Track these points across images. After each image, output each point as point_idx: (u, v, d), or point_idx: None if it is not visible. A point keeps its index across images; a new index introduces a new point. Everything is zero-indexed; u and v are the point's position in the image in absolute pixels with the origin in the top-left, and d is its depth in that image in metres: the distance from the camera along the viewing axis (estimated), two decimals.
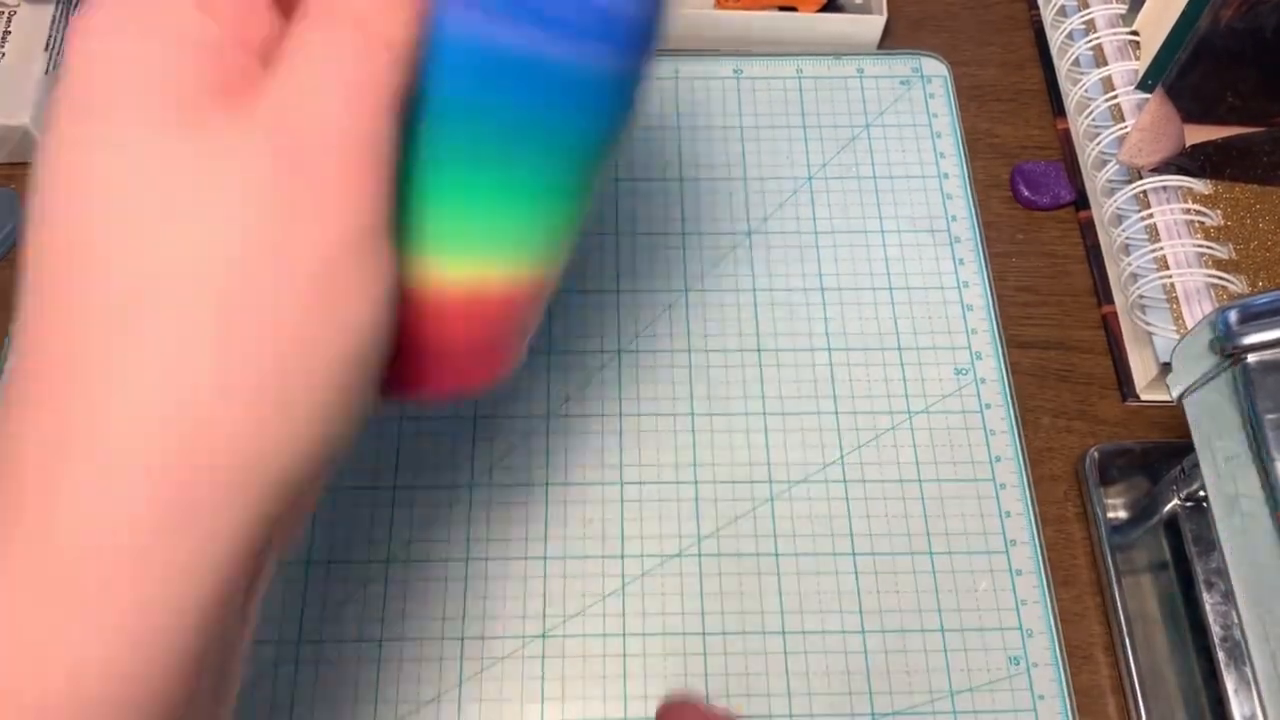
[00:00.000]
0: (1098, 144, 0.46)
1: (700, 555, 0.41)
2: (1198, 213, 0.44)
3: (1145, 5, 0.46)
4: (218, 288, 0.18)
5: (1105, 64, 0.47)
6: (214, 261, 0.18)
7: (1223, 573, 0.38)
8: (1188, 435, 0.36)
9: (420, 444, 0.43)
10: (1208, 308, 0.42)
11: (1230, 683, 0.38)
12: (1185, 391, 0.36)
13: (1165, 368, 0.42)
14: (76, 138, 0.19)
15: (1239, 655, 0.38)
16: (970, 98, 0.53)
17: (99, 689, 0.18)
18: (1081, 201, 0.50)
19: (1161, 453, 0.43)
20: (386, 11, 0.19)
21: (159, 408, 0.18)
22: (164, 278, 0.18)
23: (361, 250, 0.19)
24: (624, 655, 0.40)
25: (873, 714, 0.39)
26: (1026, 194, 0.50)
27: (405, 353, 0.23)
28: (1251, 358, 0.32)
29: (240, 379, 0.18)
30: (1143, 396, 0.46)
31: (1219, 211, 0.44)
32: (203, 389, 0.18)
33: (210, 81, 0.19)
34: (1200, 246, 0.43)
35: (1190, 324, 0.42)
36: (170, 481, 0.18)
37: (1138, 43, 0.47)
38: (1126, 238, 0.45)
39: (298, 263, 0.18)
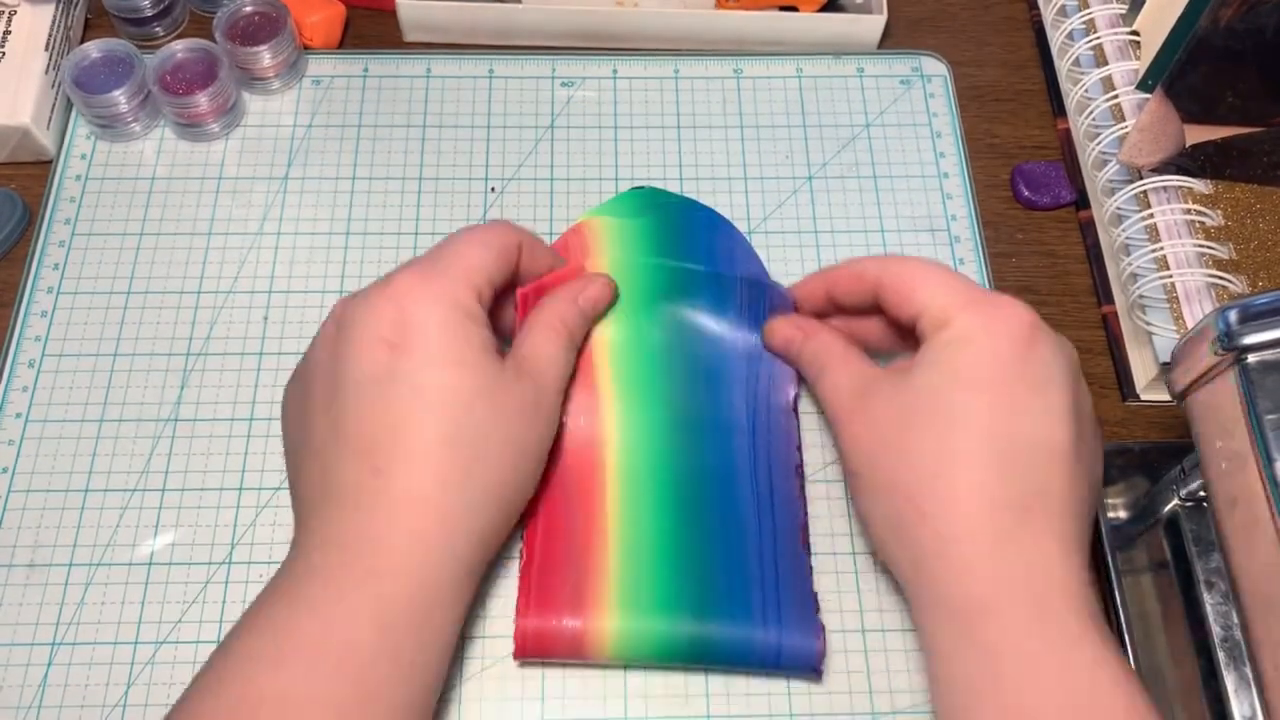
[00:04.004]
0: (1098, 144, 0.46)
1: None
2: (1198, 213, 0.44)
3: (1145, 5, 0.46)
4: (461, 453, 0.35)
5: (1105, 64, 0.47)
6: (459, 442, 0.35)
7: (1223, 573, 0.38)
8: (1188, 435, 0.36)
9: None
10: (1208, 308, 0.42)
11: (1230, 682, 0.38)
12: (1185, 391, 0.36)
13: (1165, 367, 0.42)
14: (402, 366, 0.34)
15: (1239, 655, 0.38)
16: (970, 98, 0.53)
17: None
18: (1081, 201, 0.50)
19: (1161, 453, 0.43)
20: (568, 316, 0.40)
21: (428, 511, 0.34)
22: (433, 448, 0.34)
23: (553, 416, 0.39)
24: None
25: (873, 714, 0.39)
26: (1026, 194, 0.50)
27: None
28: (1252, 357, 0.32)
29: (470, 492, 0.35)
30: (1143, 396, 0.46)
31: (1219, 211, 0.44)
32: (474, 503, 0.35)
33: (488, 343, 0.36)
34: (1200, 246, 0.43)
35: (1190, 324, 0.42)
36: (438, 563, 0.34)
37: (1138, 43, 0.47)
38: (1126, 238, 0.45)
39: (529, 430, 0.37)
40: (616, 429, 0.41)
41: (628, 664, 0.39)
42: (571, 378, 0.41)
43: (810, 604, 0.39)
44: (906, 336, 0.39)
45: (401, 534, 0.33)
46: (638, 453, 0.41)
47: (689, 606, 0.38)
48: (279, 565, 0.35)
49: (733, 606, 0.38)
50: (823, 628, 0.38)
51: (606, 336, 0.42)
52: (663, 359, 0.42)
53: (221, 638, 0.34)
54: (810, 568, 0.40)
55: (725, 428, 0.42)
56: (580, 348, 0.41)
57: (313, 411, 0.36)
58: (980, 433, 0.34)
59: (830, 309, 0.42)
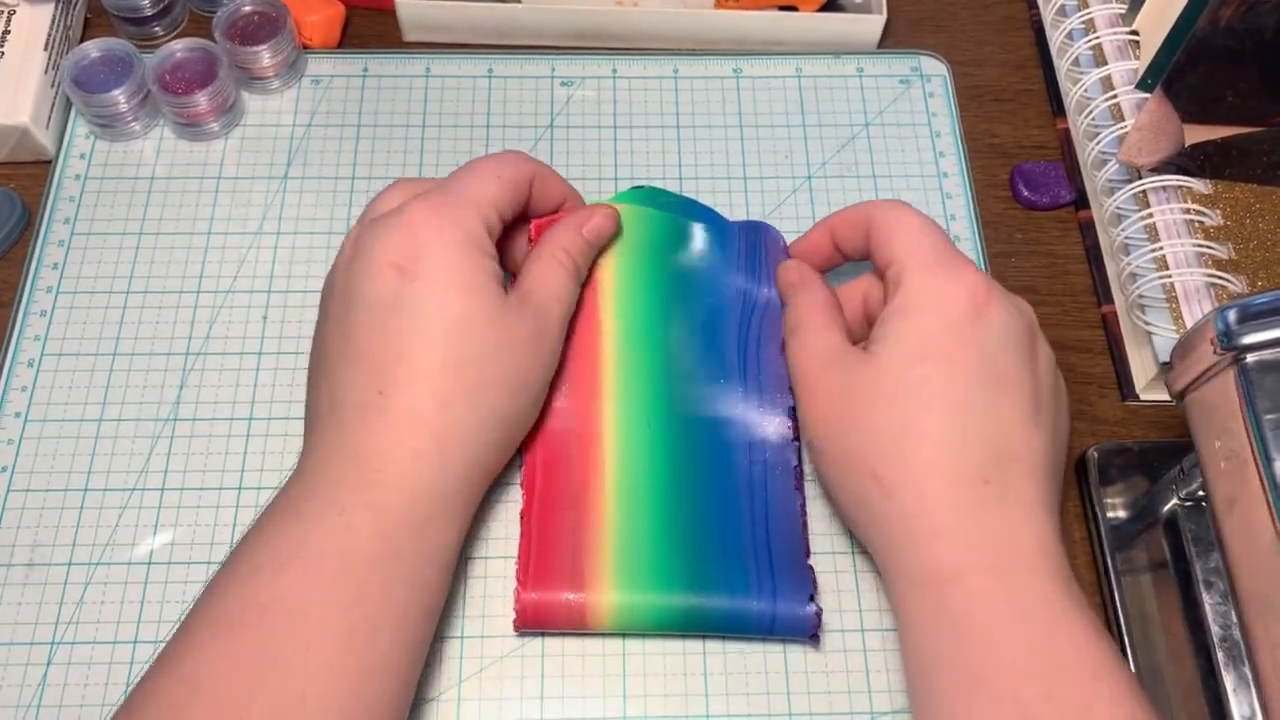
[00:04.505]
0: (1097, 143, 0.46)
1: None
2: (1197, 212, 0.44)
3: (1145, 5, 0.46)
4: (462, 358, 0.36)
5: (1105, 63, 0.47)
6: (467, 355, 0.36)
7: (1222, 572, 0.38)
8: (1187, 435, 0.36)
9: None
10: (1207, 307, 0.42)
11: (1229, 682, 0.38)
12: (1184, 391, 0.36)
13: (1165, 367, 0.42)
14: (410, 290, 0.36)
15: (1238, 655, 0.38)
16: (970, 97, 0.53)
17: None
18: (1081, 201, 0.50)
19: (1161, 452, 0.43)
20: (572, 246, 0.40)
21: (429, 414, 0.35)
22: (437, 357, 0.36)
23: (555, 349, 0.40)
24: (624, 655, 0.40)
25: (872, 714, 0.39)
26: (1026, 194, 0.50)
27: None
28: (1251, 357, 0.32)
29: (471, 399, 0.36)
30: (1142, 396, 0.46)
31: (1218, 211, 0.44)
32: (476, 426, 0.36)
33: (495, 272, 0.38)
34: (1200, 246, 0.43)
35: (1190, 324, 0.42)
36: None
37: (1137, 42, 0.47)
38: (1126, 237, 0.45)
39: (530, 361, 0.38)
40: (613, 396, 0.42)
41: (626, 633, 0.39)
42: (570, 338, 0.42)
43: (804, 572, 0.39)
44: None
45: (403, 451, 0.34)
46: (634, 419, 0.42)
47: (684, 575, 0.39)
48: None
49: (728, 575, 0.39)
50: (814, 595, 0.39)
51: (609, 290, 0.43)
52: (661, 313, 0.43)
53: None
54: (804, 523, 0.41)
55: (720, 378, 0.43)
56: (583, 287, 0.42)
57: (327, 332, 0.38)
58: (938, 405, 0.35)
59: (837, 256, 0.43)
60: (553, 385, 0.41)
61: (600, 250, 0.43)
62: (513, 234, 0.42)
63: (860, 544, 0.41)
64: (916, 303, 0.37)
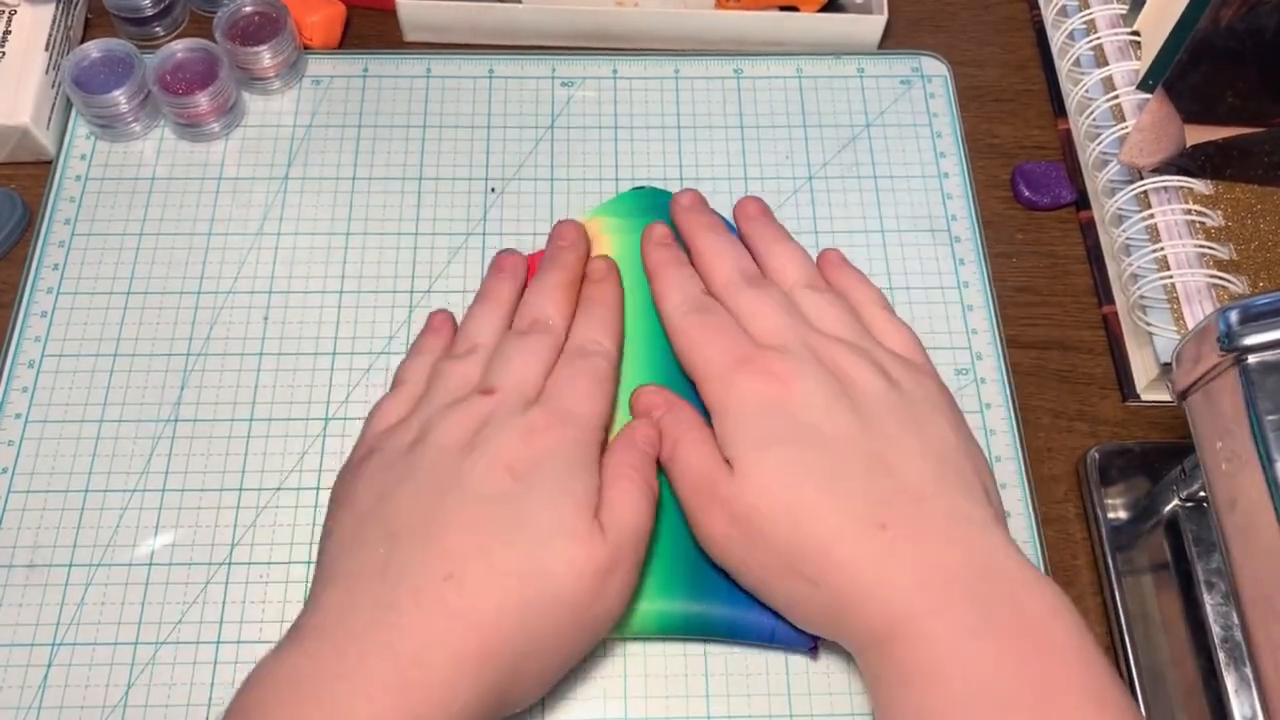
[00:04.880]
0: (1098, 144, 0.46)
1: None
2: (1198, 213, 0.44)
3: (1146, 5, 0.46)
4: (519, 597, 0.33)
5: (1106, 64, 0.47)
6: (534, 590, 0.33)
7: (1223, 573, 0.38)
8: (1188, 435, 0.36)
9: None
10: (1208, 308, 0.42)
11: (1230, 683, 0.38)
12: (1186, 392, 0.36)
13: (1166, 368, 0.42)
14: (518, 494, 0.35)
15: (1239, 656, 0.38)
16: (970, 98, 0.53)
17: None
18: (1082, 202, 0.50)
19: (1162, 453, 0.43)
20: (646, 472, 0.38)
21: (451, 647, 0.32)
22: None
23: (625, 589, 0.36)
24: (624, 655, 0.40)
25: (873, 714, 0.39)
26: (1027, 194, 0.50)
27: None
28: (1252, 358, 0.32)
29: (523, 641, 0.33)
30: (1143, 397, 0.46)
31: (1220, 212, 0.44)
32: (498, 602, 0.33)
33: (594, 504, 0.35)
34: (1201, 247, 0.43)
35: (1191, 324, 0.42)
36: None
37: (1138, 43, 0.47)
38: (1127, 238, 0.45)
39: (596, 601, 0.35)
40: (614, 419, 0.41)
41: (627, 639, 0.39)
42: None
43: None
44: None
45: (447, 651, 0.32)
46: None
47: (685, 584, 0.38)
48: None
49: (728, 585, 0.38)
50: None
51: None
52: (661, 349, 0.43)
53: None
54: None
55: None
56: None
57: (407, 494, 0.35)
58: (804, 482, 0.35)
59: None
60: None
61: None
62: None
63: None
64: (724, 409, 0.38)
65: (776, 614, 0.38)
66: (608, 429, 0.39)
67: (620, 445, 0.38)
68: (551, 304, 0.42)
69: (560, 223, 0.45)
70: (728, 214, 0.48)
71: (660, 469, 0.39)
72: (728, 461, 0.37)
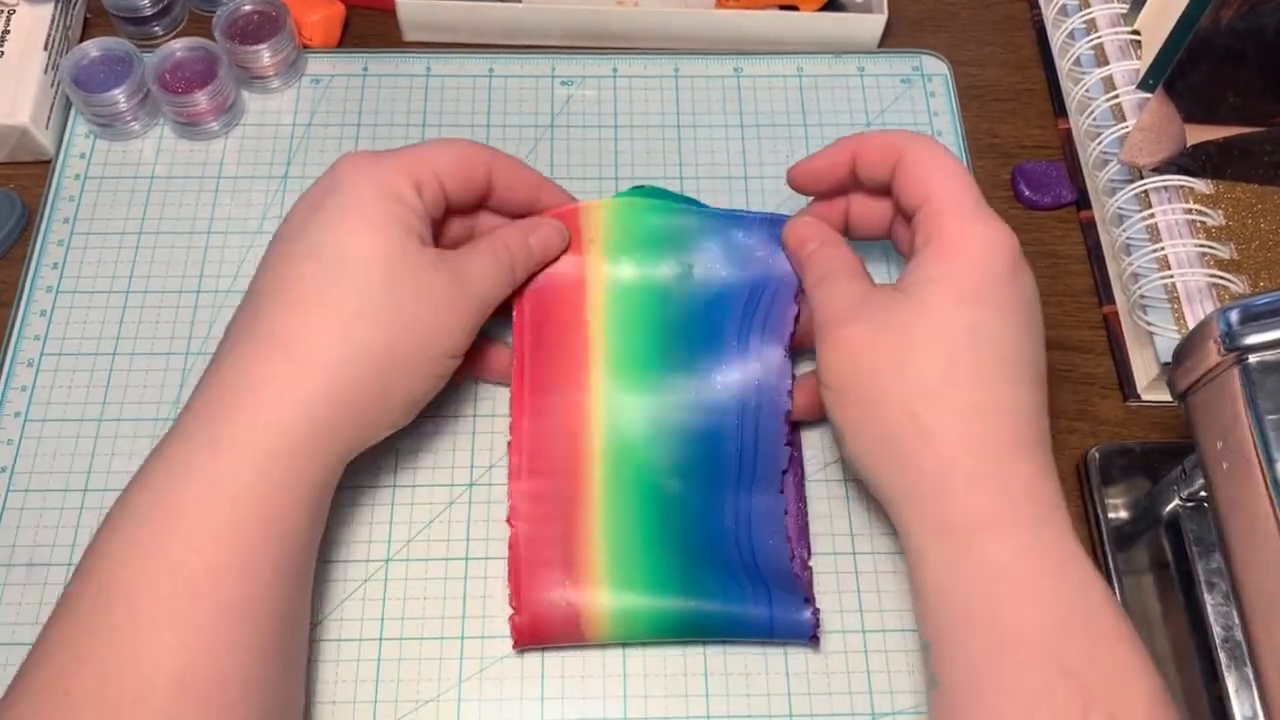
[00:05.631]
0: (1099, 144, 0.46)
1: None
2: (1199, 213, 0.44)
3: (1146, 5, 0.46)
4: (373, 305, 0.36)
5: (1106, 63, 0.47)
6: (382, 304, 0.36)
7: (1223, 573, 0.38)
8: (1189, 436, 0.36)
9: (420, 444, 0.43)
10: (1209, 308, 0.42)
11: (1231, 683, 0.38)
12: (1186, 391, 0.35)
13: (1166, 368, 0.42)
14: (315, 220, 0.37)
15: (1240, 656, 0.38)
16: (971, 97, 0.53)
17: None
18: (1082, 201, 0.50)
19: (1162, 453, 0.43)
20: (514, 246, 0.41)
21: (325, 366, 0.35)
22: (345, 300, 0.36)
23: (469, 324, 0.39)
24: (624, 655, 0.40)
25: (873, 714, 0.39)
26: (1027, 193, 0.50)
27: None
28: (1253, 358, 0.32)
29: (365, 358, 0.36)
30: (1144, 396, 0.46)
31: (1220, 211, 0.44)
32: (342, 357, 0.35)
33: (408, 224, 0.37)
34: (1201, 246, 0.43)
35: (1191, 324, 0.42)
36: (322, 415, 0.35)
37: (1139, 42, 0.47)
38: (1128, 238, 0.45)
39: (438, 319, 0.38)
40: (601, 403, 0.41)
41: (625, 642, 0.39)
42: (558, 341, 0.42)
43: (790, 578, 0.39)
44: (907, 222, 0.39)
45: (279, 381, 0.34)
46: (623, 433, 0.41)
47: (678, 583, 0.38)
48: None
49: (723, 582, 0.38)
50: (810, 598, 0.39)
51: (599, 294, 0.43)
52: (653, 318, 0.43)
53: None
54: (805, 524, 0.41)
55: (716, 382, 0.42)
56: (571, 287, 0.42)
57: (266, 260, 0.38)
58: (988, 351, 0.34)
59: (850, 181, 0.41)
60: (539, 390, 0.41)
61: (543, 265, 0.43)
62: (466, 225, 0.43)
63: (870, 495, 0.40)
64: (960, 247, 0.36)
65: (773, 607, 0.38)
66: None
67: (511, 226, 0.42)
68: None
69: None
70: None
71: (645, 464, 0.39)
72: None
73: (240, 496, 0.33)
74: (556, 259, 0.43)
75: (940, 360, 0.34)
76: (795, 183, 0.43)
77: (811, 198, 0.44)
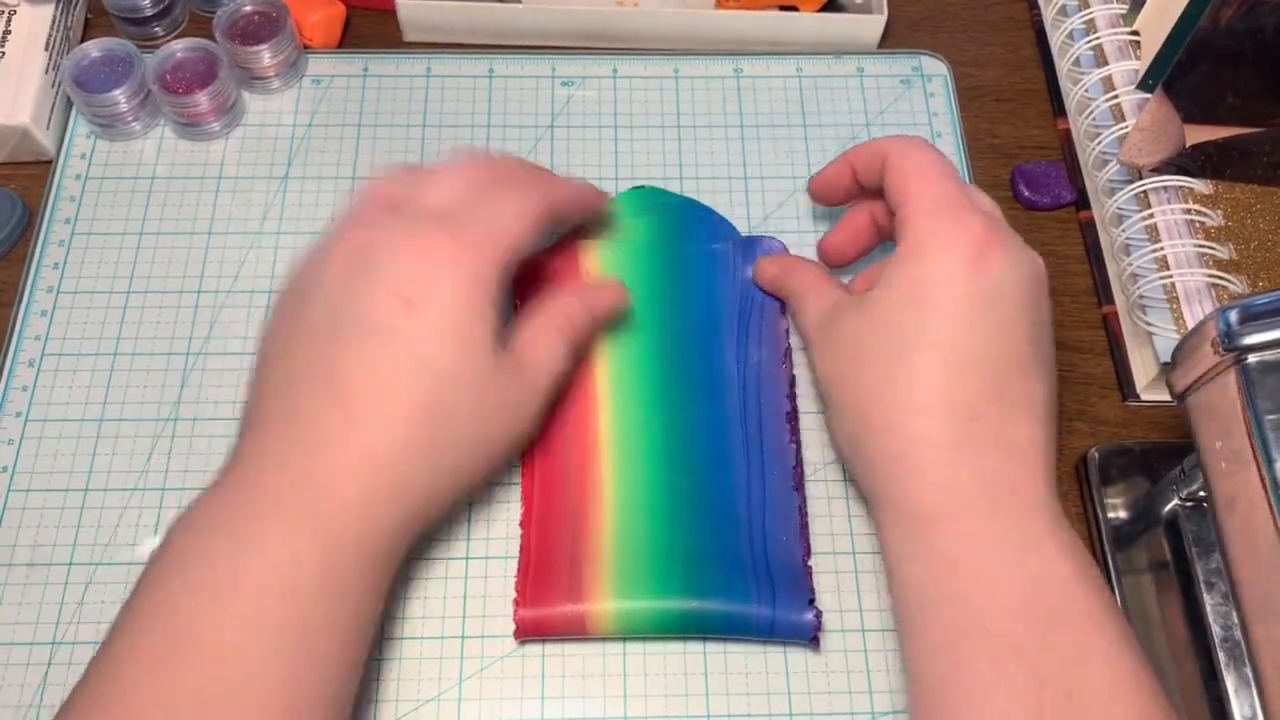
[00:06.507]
0: (1098, 144, 0.46)
1: None
2: (1198, 213, 0.44)
3: (1146, 5, 0.46)
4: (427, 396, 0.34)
5: (1106, 64, 0.47)
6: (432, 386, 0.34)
7: (1223, 573, 0.38)
8: (1188, 435, 0.36)
9: None
10: (1208, 308, 0.42)
11: (1230, 683, 0.38)
12: (1186, 391, 0.35)
13: (1166, 368, 0.42)
14: (407, 325, 0.34)
15: (1239, 655, 0.38)
16: (970, 97, 0.53)
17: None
18: (1082, 201, 0.50)
19: (1162, 453, 0.43)
20: (577, 316, 0.40)
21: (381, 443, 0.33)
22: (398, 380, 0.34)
23: (536, 418, 0.38)
24: (624, 655, 0.40)
25: (872, 714, 0.39)
26: (1027, 194, 0.50)
27: None
28: (1252, 358, 0.32)
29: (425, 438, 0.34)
30: (1143, 396, 0.46)
31: (1219, 212, 0.44)
32: (402, 439, 0.34)
33: (496, 327, 0.36)
34: (1201, 247, 0.43)
35: (1191, 324, 0.42)
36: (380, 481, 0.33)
37: (1138, 42, 0.47)
38: (1127, 238, 0.45)
39: (506, 428, 0.37)
40: (609, 404, 0.42)
41: (626, 637, 0.39)
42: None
43: (800, 576, 0.39)
44: None
45: (358, 488, 0.33)
46: (630, 427, 0.42)
47: (682, 581, 0.39)
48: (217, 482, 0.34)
49: (727, 580, 0.39)
50: (813, 600, 0.39)
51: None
52: (657, 319, 0.43)
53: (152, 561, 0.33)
54: (804, 524, 0.41)
55: (718, 383, 0.43)
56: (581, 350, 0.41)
57: (304, 332, 0.35)
58: (933, 347, 0.35)
59: (855, 189, 0.43)
60: None
61: (602, 327, 0.42)
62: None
63: (867, 548, 0.41)
64: (918, 247, 0.37)
65: (776, 607, 0.38)
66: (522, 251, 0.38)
67: (572, 293, 0.40)
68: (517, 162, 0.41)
69: None
70: (727, 214, 0.48)
71: (653, 461, 0.40)
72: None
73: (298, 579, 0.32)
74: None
75: (887, 360, 0.36)
76: (814, 195, 0.45)
77: (843, 207, 0.45)
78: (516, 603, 0.39)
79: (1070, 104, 0.50)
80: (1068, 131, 0.52)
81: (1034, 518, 0.34)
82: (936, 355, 0.35)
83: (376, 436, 0.33)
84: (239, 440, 0.35)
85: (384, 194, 0.38)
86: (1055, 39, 0.52)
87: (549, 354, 0.38)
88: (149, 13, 0.52)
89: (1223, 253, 0.43)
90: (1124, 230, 0.45)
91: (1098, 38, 0.48)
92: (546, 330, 0.38)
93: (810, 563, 0.40)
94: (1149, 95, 0.42)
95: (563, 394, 0.41)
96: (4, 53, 0.49)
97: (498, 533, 0.41)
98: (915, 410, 0.35)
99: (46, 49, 0.49)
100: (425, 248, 0.35)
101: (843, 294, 0.40)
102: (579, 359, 0.41)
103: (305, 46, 0.52)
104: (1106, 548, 0.41)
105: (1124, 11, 0.48)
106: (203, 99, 0.48)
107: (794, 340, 0.45)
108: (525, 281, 0.44)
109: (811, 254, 0.47)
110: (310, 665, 0.31)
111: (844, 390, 0.37)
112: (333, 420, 0.33)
